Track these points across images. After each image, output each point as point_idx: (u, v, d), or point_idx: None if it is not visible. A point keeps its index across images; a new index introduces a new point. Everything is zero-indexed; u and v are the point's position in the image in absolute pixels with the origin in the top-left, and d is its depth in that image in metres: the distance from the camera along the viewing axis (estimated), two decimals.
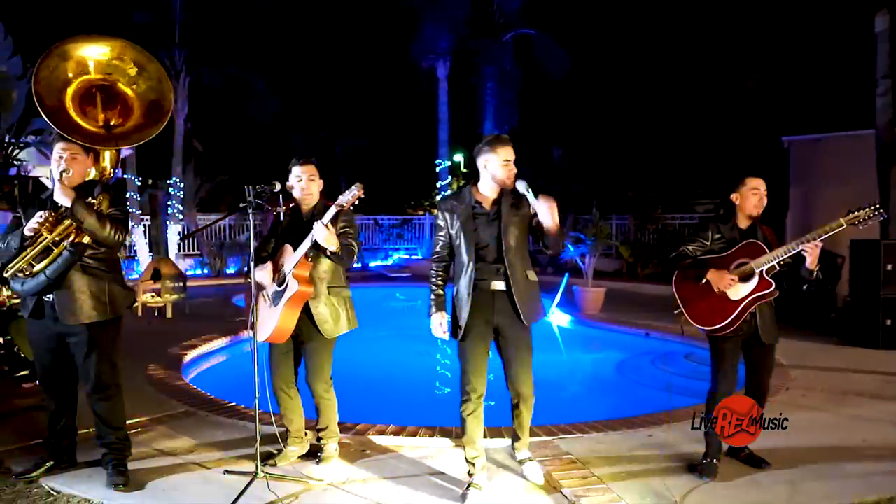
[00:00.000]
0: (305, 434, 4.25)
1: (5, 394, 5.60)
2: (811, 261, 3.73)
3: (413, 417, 4.98)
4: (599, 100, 19.56)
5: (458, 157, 27.20)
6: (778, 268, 3.84)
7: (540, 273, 4.21)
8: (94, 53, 4.12)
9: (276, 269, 3.94)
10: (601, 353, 8.95)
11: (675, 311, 4.08)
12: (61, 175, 3.63)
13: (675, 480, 3.84)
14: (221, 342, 7.77)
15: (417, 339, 10.17)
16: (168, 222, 15.17)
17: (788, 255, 3.76)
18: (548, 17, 17.93)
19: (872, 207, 3.68)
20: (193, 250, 16.97)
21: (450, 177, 19.39)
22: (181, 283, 10.53)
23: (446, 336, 3.78)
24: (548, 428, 4.72)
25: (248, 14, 16.47)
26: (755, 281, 3.84)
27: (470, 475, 3.74)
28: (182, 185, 16.12)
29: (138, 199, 15.38)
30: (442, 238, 3.84)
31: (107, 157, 4.29)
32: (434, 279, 3.85)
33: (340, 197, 3.67)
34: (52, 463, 3.92)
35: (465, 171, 27.20)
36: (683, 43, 18.33)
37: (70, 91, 4.06)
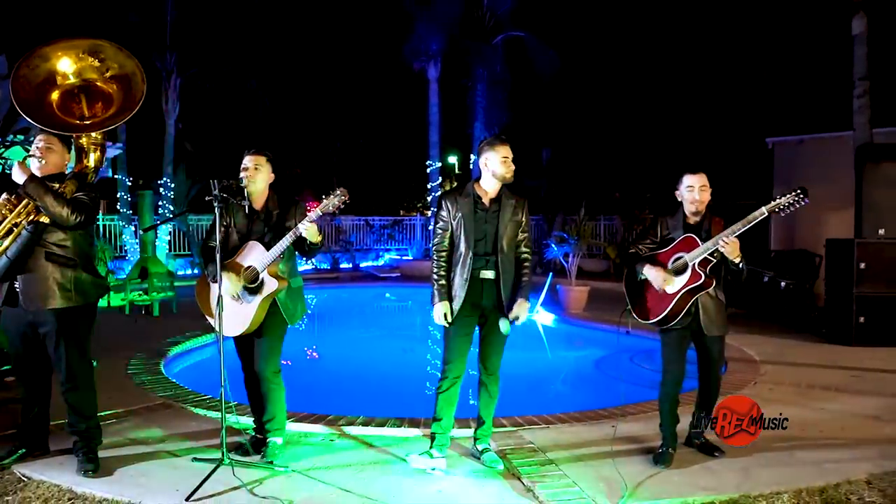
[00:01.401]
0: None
1: None
2: (728, 252, 3.82)
3: (392, 412, 5.02)
4: (588, 101, 19.70)
5: (453, 160, 27.36)
6: (714, 260, 3.93)
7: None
8: (72, 55, 4.23)
9: (238, 266, 4.01)
10: (582, 351, 9.05)
11: (625, 309, 4.21)
12: (24, 159, 3.74)
13: (631, 468, 3.94)
14: (207, 338, 7.86)
15: (403, 337, 10.33)
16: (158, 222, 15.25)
17: (713, 248, 3.86)
18: (538, 20, 18.06)
19: (794, 193, 3.76)
20: (184, 250, 17.06)
21: (441, 178, 19.48)
22: (168, 282, 10.65)
23: (447, 324, 3.98)
24: (513, 419, 4.83)
25: (239, 15, 16.58)
26: (688, 274, 3.95)
27: (430, 447, 3.99)
28: (173, 185, 16.21)
29: (129, 199, 15.48)
30: (442, 229, 4.04)
31: (91, 157, 4.37)
32: (437, 269, 4.03)
33: (325, 201, 3.80)
34: (24, 450, 4.01)
35: (458, 172, 27.36)
36: (670, 45, 18.51)
37: (54, 94, 4.19)
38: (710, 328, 4.04)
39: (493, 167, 3.94)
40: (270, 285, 3.90)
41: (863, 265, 7.80)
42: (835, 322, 8.07)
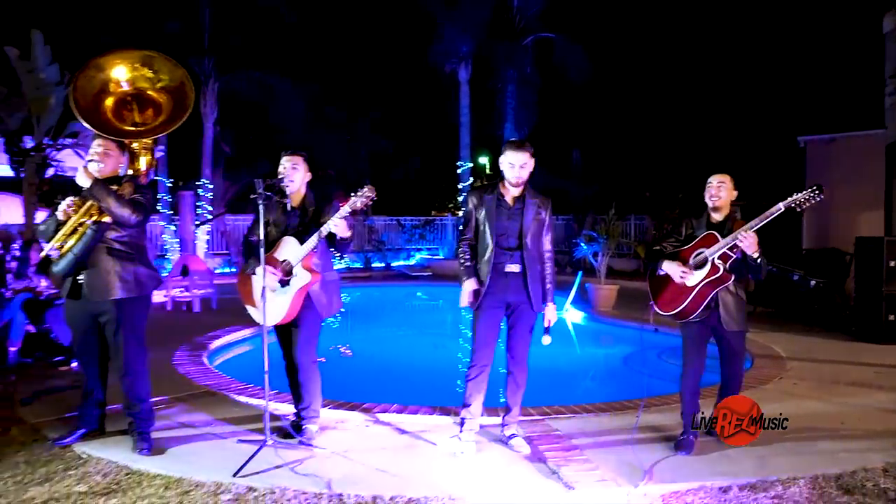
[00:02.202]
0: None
1: (43, 376, 6.07)
2: (746, 246, 3.95)
3: (424, 401, 5.23)
4: (618, 101, 19.74)
5: (484, 160, 27.53)
6: (733, 255, 4.07)
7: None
8: (125, 66, 4.56)
9: (275, 260, 4.26)
10: (610, 347, 9.18)
11: (650, 303, 4.39)
12: (87, 163, 4.06)
13: (652, 454, 4.12)
14: (245, 332, 8.19)
15: (434, 334, 10.55)
16: (196, 222, 15.72)
17: (731, 242, 4.00)
18: (567, 21, 18.18)
19: (810, 190, 3.89)
20: (222, 249, 17.53)
21: (472, 178, 19.68)
22: (208, 280, 11.03)
23: (473, 305, 4.21)
24: (541, 408, 5.02)
25: (273, 21, 16.99)
26: (707, 267, 4.10)
27: (460, 432, 4.26)
28: (211, 186, 16.68)
29: (169, 199, 15.97)
30: (467, 219, 4.34)
31: (142, 160, 4.69)
32: (462, 255, 4.32)
33: (354, 198, 4.04)
34: (83, 431, 4.33)
35: (489, 173, 27.52)
36: (701, 45, 18.44)
37: (108, 101, 4.52)
38: (729, 323, 4.18)
39: (503, 169, 4.22)
40: (303, 278, 4.15)
41: (892, 263, 7.82)
42: (863, 320, 8.09)
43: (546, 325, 4.23)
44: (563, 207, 19.26)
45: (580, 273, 11.53)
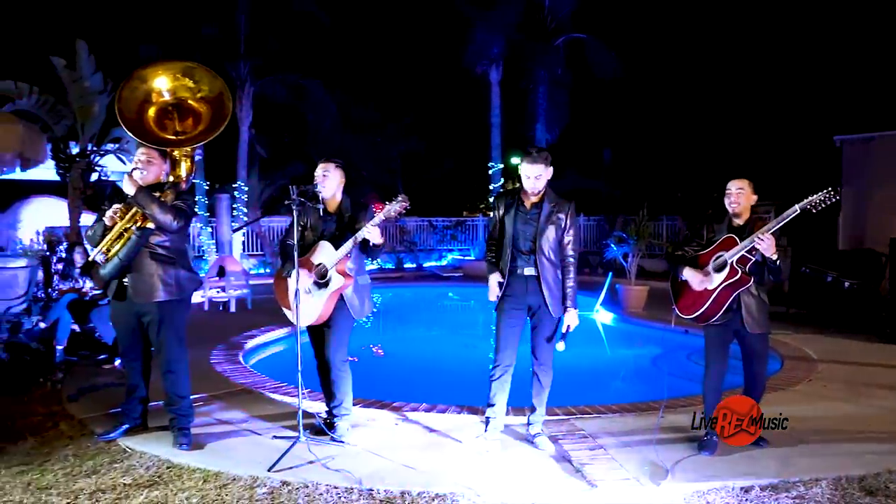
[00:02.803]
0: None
1: (88, 373, 6.34)
2: (764, 248, 3.99)
3: (453, 401, 5.35)
4: (650, 101, 19.62)
5: (516, 160, 27.56)
6: (752, 258, 4.11)
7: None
8: (166, 77, 4.76)
9: (310, 263, 4.42)
10: (640, 348, 9.19)
11: (672, 306, 4.46)
12: (131, 171, 4.27)
13: (676, 454, 4.18)
14: (280, 332, 8.42)
15: (465, 334, 10.66)
16: (233, 224, 16.07)
17: (750, 245, 4.04)
18: (598, 21, 18.14)
19: (826, 191, 3.93)
20: (257, 250, 17.88)
21: (503, 179, 19.74)
22: (244, 280, 11.31)
23: (498, 295, 4.36)
24: (567, 408, 5.12)
25: (307, 25, 17.28)
26: (727, 270, 4.15)
27: (485, 430, 4.39)
28: (246, 188, 17.02)
29: (206, 202, 16.34)
30: (492, 222, 4.55)
31: (182, 167, 4.87)
32: (488, 253, 4.54)
33: (388, 206, 4.20)
34: (127, 426, 4.55)
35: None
36: (735, 43, 18.24)
37: (151, 111, 4.73)
38: (751, 326, 4.23)
39: (521, 179, 4.36)
40: (337, 281, 4.31)
41: None
42: None
43: (564, 330, 4.32)
44: (594, 208, 19.24)
45: (610, 274, 11.53)
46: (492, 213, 4.58)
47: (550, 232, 4.30)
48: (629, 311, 10.80)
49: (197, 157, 12.84)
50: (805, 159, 14.70)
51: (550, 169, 4.31)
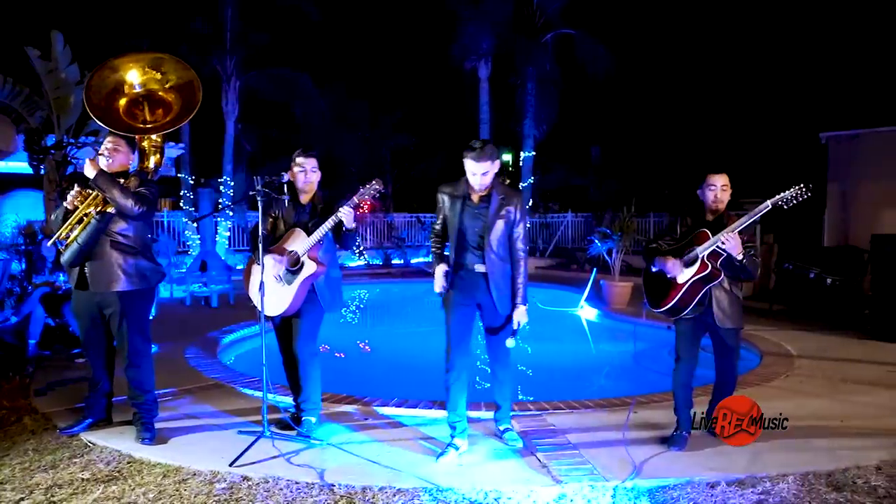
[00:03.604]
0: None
1: (60, 367, 6.26)
2: (730, 248, 3.92)
3: (427, 396, 5.24)
4: (638, 98, 19.60)
5: (507, 157, 27.49)
6: (724, 254, 4.04)
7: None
8: (137, 69, 4.69)
9: (283, 250, 4.37)
10: (622, 344, 9.15)
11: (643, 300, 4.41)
12: (95, 157, 4.19)
13: (645, 450, 4.14)
14: (257, 328, 8.30)
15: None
16: (219, 219, 15.94)
17: (719, 240, 3.98)
18: (588, 17, 18.10)
19: (798, 187, 3.88)
20: (243, 245, 17.75)
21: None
22: (226, 275, 11.22)
23: (444, 288, 4.15)
24: (539, 404, 5.07)
25: (295, 19, 17.17)
26: (697, 265, 4.10)
27: (451, 438, 4.15)
28: (232, 183, 16.90)
29: (192, 197, 16.22)
30: (437, 215, 4.30)
31: (151, 160, 4.80)
32: (433, 244, 4.34)
33: (362, 190, 4.14)
34: (91, 420, 4.48)
35: (511, 170, 27.50)
36: (723, 40, 18.23)
37: (122, 101, 4.66)
38: (722, 320, 4.17)
39: (466, 175, 4.06)
40: (310, 268, 4.25)
41: None
42: (880, 319, 7.96)
43: (516, 326, 4.11)
44: (582, 205, 19.20)
45: (595, 270, 11.50)
46: (437, 207, 4.33)
47: (500, 227, 4.07)
48: (613, 307, 10.75)
49: (180, 152, 12.75)
50: (791, 156, 14.69)
51: (498, 162, 4.03)
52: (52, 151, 9.09)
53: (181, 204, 16.77)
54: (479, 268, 4.10)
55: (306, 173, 4.40)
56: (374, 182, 4.20)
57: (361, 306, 13.58)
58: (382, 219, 19.50)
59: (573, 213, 19.51)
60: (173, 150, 12.30)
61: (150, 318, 4.62)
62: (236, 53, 16.47)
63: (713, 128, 19.01)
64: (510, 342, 4.09)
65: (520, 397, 5.98)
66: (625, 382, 7.24)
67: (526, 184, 19.50)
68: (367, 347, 8.40)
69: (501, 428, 4.37)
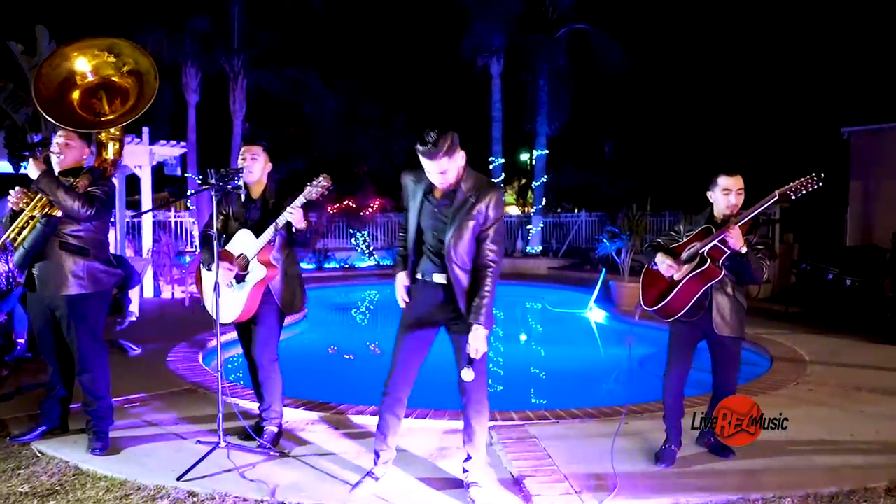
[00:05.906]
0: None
1: (38, 371, 6.02)
2: (732, 243, 3.59)
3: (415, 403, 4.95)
4: (654, 94, 19.13)
5: (524, 156, 27.13)
6: (727, 251, 3.70)
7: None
8: (87, 55, 4.42)
9: (230, 255, 4.08)
10: (629, 348, 8.80)
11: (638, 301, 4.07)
12: (44, 155, 3.95)
13: (630, 464, 3.80)
14: None
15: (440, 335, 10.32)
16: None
17: (721, 235, 3.65)
18: (602, 12, 17.70)
19: (808, 177, 3.53)
20: None
21: (503, 174, 19.35)
22: None
23: (405, 301, 3.50)
24: (524, 413, 4.75)
25: (305, 17, 16.99)
26: (696, 261, 3.77)
27: (374, 465, 3.56)
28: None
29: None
30: (404, 206, 3.56)
31: (110, 149, 4.56)
32: (399, 243, 3.64)
33: (308, 188, 3.84)
34: (44, 428, 4.24)
35: (528, 169, 27.14)
36: (742, 34, 17.73)
37: (75, 93, 4.40)
38: (720, 327, 3.81)
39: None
40: (259, 273, 3.97)
41: None
42: None
43: (474, 354, 3.19)
44: (596, 204, 18.77)
45: (604, 270, 11.14)
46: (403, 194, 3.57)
47: (465, 229, 3.25)
48: (622, 308, 10.38)
49: (182, 151, 12.59)
50: (812, 152, 14.18)
51: (459, 155, 3.24)
52: (39, 149, 8.93)
53: (188, 204, 16.66)
54: (439, 278, 3.34)
55: (247, 163, 4.09)
56: (320, 178, 3.83)
57: (371, 307, 13.34)
58: (393, 218, 19.24)
59: (587, 212, 19.10)
60: (176, 150, 12.12)
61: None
62: (244, 52, 16.33)
63: (730, 123, 18.49)
64: (468, 374, 3.18)
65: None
66: (623, 388, 6.88)
67: (539, 182, 19.14)
68: (377, 350, 8.13)
69: (469, 480, 3.45)
